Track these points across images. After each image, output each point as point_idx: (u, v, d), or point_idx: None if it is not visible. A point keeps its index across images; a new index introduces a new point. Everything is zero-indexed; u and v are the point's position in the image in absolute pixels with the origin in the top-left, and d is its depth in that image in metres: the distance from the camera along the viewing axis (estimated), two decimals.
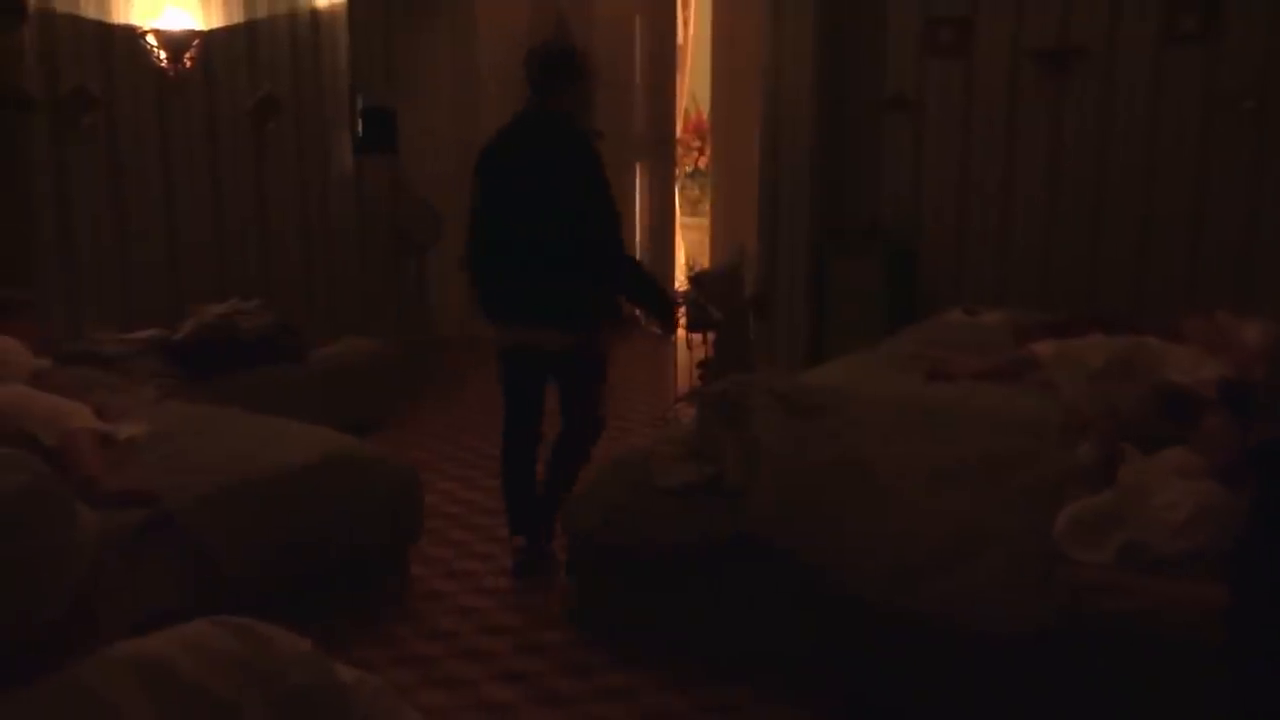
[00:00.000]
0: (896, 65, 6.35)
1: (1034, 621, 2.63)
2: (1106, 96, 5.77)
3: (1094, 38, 5.75)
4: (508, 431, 3.97)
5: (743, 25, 7.03)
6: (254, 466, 3.40)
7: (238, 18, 5.71)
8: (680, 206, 8.87)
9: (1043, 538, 2.79)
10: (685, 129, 9.72)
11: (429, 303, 7.03)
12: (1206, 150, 5.56)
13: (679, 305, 4.49)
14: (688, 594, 3.30)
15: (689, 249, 8.73)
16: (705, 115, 9.11)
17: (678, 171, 8.75)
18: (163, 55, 5.34)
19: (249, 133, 5.85)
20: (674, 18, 8.35)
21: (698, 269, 6.45)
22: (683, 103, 9.09)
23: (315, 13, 6.05)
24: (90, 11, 5.13)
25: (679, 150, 8.90)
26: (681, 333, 6.14)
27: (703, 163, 9.86)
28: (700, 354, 5.99)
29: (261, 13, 5.81)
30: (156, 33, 5.31)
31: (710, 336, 5.86)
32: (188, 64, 5.43)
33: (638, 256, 8.17)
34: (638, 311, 5.46)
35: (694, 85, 9.81)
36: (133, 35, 5.28)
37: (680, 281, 6.78)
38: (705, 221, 8.29)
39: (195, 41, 5.43)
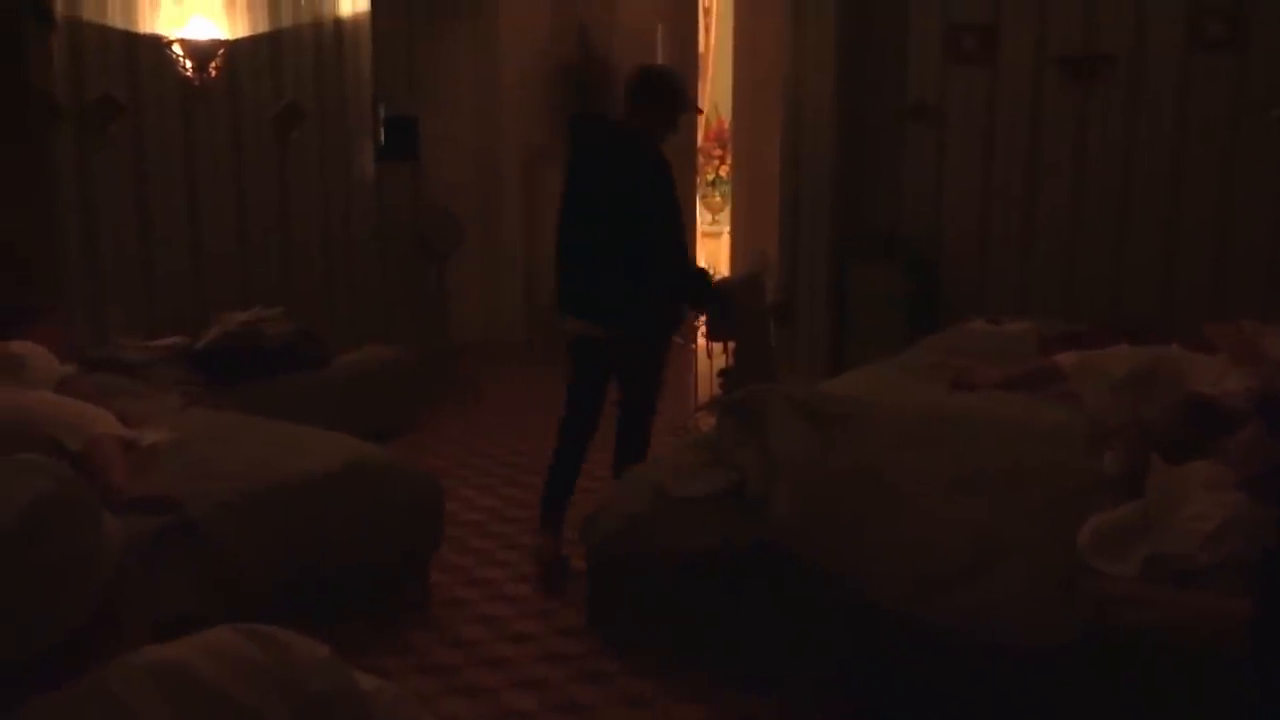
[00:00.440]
0: (919, 72, 6.33)
1: (1057, 634, 2.61)
2: (1132, 104, 5.73)
3: (1119, 44, 5.71)
4: (565, 422, 4.20)
5: (764, 33, 7.04)
6: (275, 473, 3.41)
7: (262, 27, 5.75)
8: (701, 214, 8.87)
9: (1066, 549, 2.77)
10: (706, 137, 9.73)
11: (449, 310, 7.05)
12: (1233, 158, 5.51)
13: (719, 310, 4.78)
14: (707, 603, 3.29)
15: (709, 257, 8.72)
16: (726, 123, 9.13)
17: (699, 179, 8.75)
18: (188, 64, 5.38)
19: (272, 141, 5.89)
20: (695, 26, 8.36)
21: (718, 277, 6.44)
22: (704, 110, 9.09)
23: (339, 22, 6.09)
24: (117, 21, 5.18)
25: (700, 158, 8.90)
26: (702, 341, 6.14)
27: (724, 170, 9.86)
28: (721, 362, 5.98)
29: (286, 22, 5.85)
30: (182, 42, 5.36)
31: (731, 345, 5.85)
32: (213, 73, 5.47)
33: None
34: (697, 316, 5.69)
35: (715, 93, 9.83)
36: (159, 44, 5.32)
37: None
38: (726, 229, 8.28)
39: (220, 51, 5.47)
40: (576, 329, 4.10)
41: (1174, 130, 5.63)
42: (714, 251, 8.69)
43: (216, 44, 5.46)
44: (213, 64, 5.45)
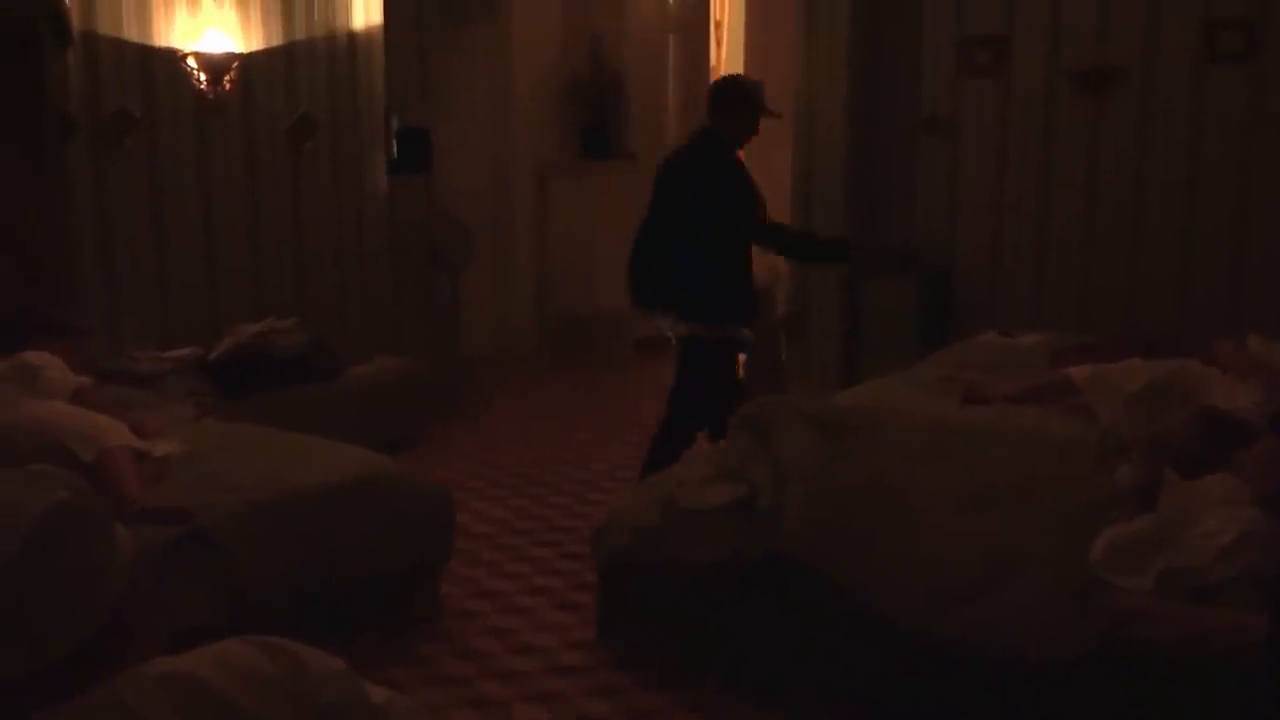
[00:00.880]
0: (931, 86, 6.32)
1: (1069, 648, 2.60)
2: (1145, 116, 5.71)
3: (1132, 57, 5.70)
4: (682, 419, 4.47)
5: (776, 47, 7.04)
6: (287, 485, 3.42)
7: (276, 40, 5.78)
8: None
9: (1080, 563, 2.75)
10: None
11: (461, 322, 7.06)
12: (1248, 172, 5.48)
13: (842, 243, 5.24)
14: (718, 615, 3.28)
15: None
16: None
17: None
18: (203, 77, 5.41)
19: (286, 153, 5.92)
20: (707, 39, 8.38)
21: None
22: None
23: (352, 35, 6.11)
24: (132, 34, 5.22)
25: None
26: None
27: None
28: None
29: (300, 35, 5.88)
30: (197, 55, 5.39)
31: (742, 357, 5.84)
32: (227, 86, 5.50)
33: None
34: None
35: None
36: (173, 58, 5.35)
37: None
38: None
39: (234, 63, 5.50)
40: (657, 326, 4.50)
41: (1187, 142, 5.61)
42: None
43: (231, 57, 5.49)
44: (227, 77, 5.48)
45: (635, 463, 4.05)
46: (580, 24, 7.71)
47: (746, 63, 7.51)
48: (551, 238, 7.80)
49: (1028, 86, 6.02)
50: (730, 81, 4.70)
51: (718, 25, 8.91)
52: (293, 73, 5.88)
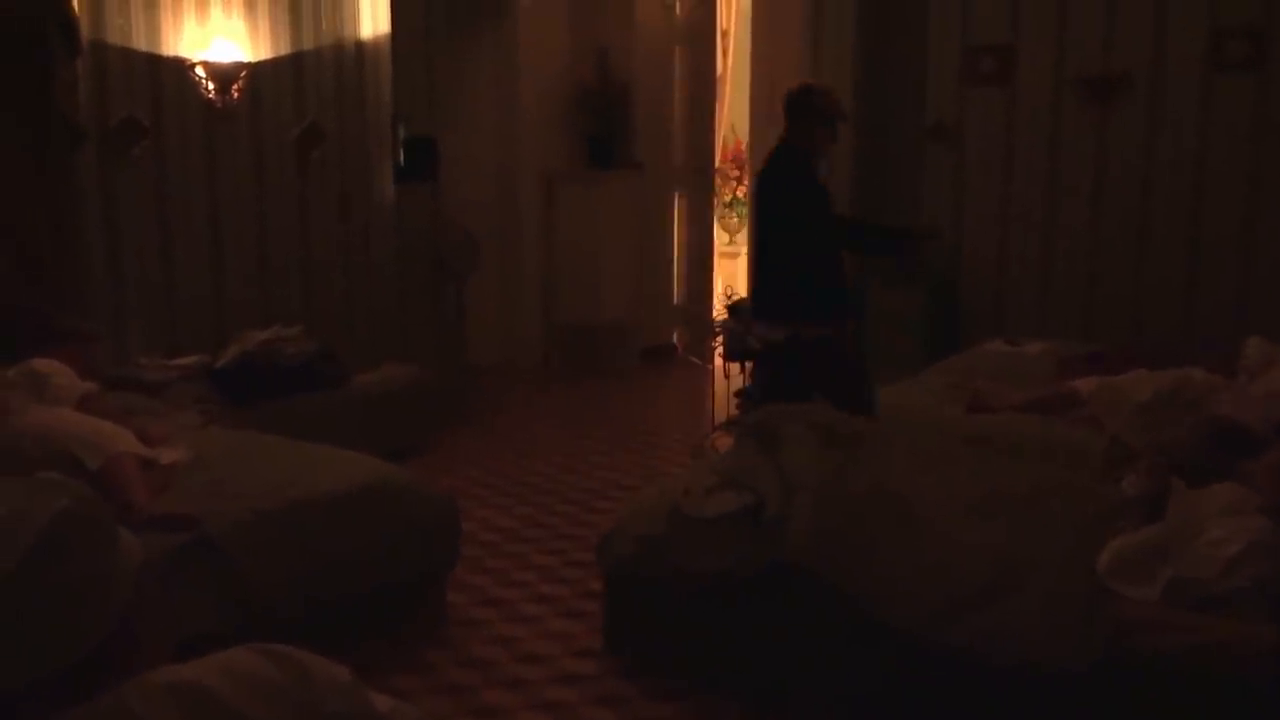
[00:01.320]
0: (937, 94, 6.33)
1: (1075, 657, 2.59)
2: (1151, 123, 5.71)
3: (1139, 64, 5.70)
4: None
5: (782, 56, 7.04)
6: (294, 492, 3.42)
7: (284, 49, 5.80)
8: (718, 235, 8.88)
9: (1086, 572, 2.75)
10: (724, 158, 9.74)
11: (467, 330, 7.06)
12: (1255, 181, 5.48)
13: (912, 237, 5.24)
14: (724, 624, 3.28)
15: (725, 278, 8.72)
16: (744, 144, 9.13)
17: (716, 200, 8.77)
18: (211, 86, 5.44)
19: (293, 162, 5.94)
20: (713, 48, 8.39)
21: (735, 298, 6.43)
22: (721, 132, 9.10)
23: (360, 44, 6.13)
24: (141, 44, 5.24)
25: (717, 179, 8.92)
26: (719, 361, 6.13)
27: (741, 191, 9.87)
28: (738, 383, 5.97)
29: (308, 44, 5.90)
30: (205, 64, 5.41)
31: (749, 366, 5.84)
32: (235, 95, 5.52)
33: (676, 285, 8.21)
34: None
35: (733, 115, 9.85)
36: (182, 67, 5.38)
37: (718, 310, 6.79)
38: (743, 250, 8.27)
39: (242, 73, 5.52)
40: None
41: (1194, 150, 5.60)
42: (730, 273, 8.69)
43: (239, 66, 5.51)
44: (235, 86, 5.50)
45: (641, 471, 4.04)
46: (587, 34, 7.72)
47: (753, 73, 7.52)
48: (558, 247, 7.81)
49: (1034, 95, 6.03)
50: (795, 92, 4.59)
51: (724, 35, 8.95)
52: (300, 82, 5.90)
